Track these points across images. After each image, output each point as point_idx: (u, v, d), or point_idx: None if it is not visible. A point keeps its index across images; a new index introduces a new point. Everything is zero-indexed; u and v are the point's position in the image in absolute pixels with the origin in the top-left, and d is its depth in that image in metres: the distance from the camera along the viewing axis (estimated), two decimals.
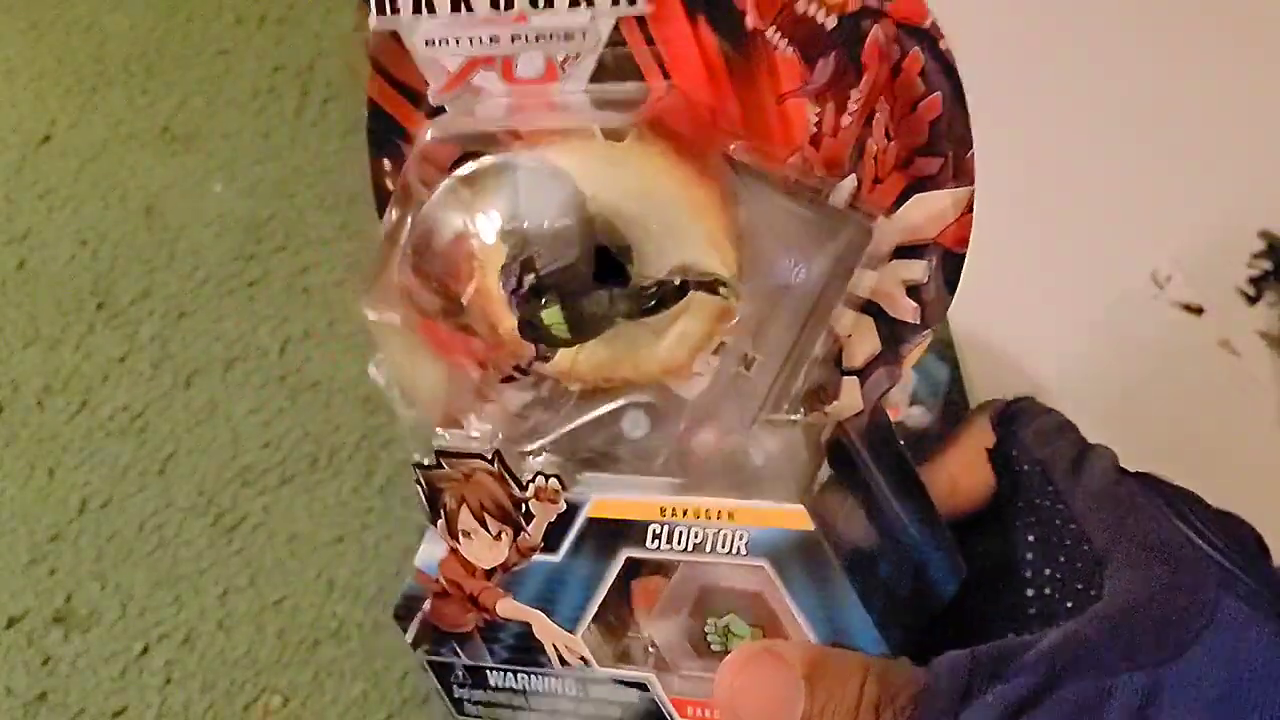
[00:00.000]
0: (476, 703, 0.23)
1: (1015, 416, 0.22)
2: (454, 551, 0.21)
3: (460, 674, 0.22)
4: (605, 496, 0.20)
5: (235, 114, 0.53)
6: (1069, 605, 0.19)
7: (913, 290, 0.19)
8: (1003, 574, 0.20)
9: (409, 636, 0.23)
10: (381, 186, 0.21)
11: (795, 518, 0.19)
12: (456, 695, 0.23)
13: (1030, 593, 0.20)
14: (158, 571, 0.39)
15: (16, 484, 0.41)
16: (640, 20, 0.19)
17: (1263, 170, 0.49)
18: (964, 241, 0.19)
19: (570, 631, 0.21)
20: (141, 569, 0.39)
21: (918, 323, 0.20)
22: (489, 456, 0.20)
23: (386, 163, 0.21)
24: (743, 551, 0.20)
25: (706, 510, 0.20)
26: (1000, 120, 0.57)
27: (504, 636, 0.21)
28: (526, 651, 0.21)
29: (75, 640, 0.38)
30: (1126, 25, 0.55)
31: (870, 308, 0.20)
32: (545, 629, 0.21)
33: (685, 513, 0.20)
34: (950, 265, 0.19)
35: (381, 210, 0.21)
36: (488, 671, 0.22)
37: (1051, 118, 0.51)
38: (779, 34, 0.19)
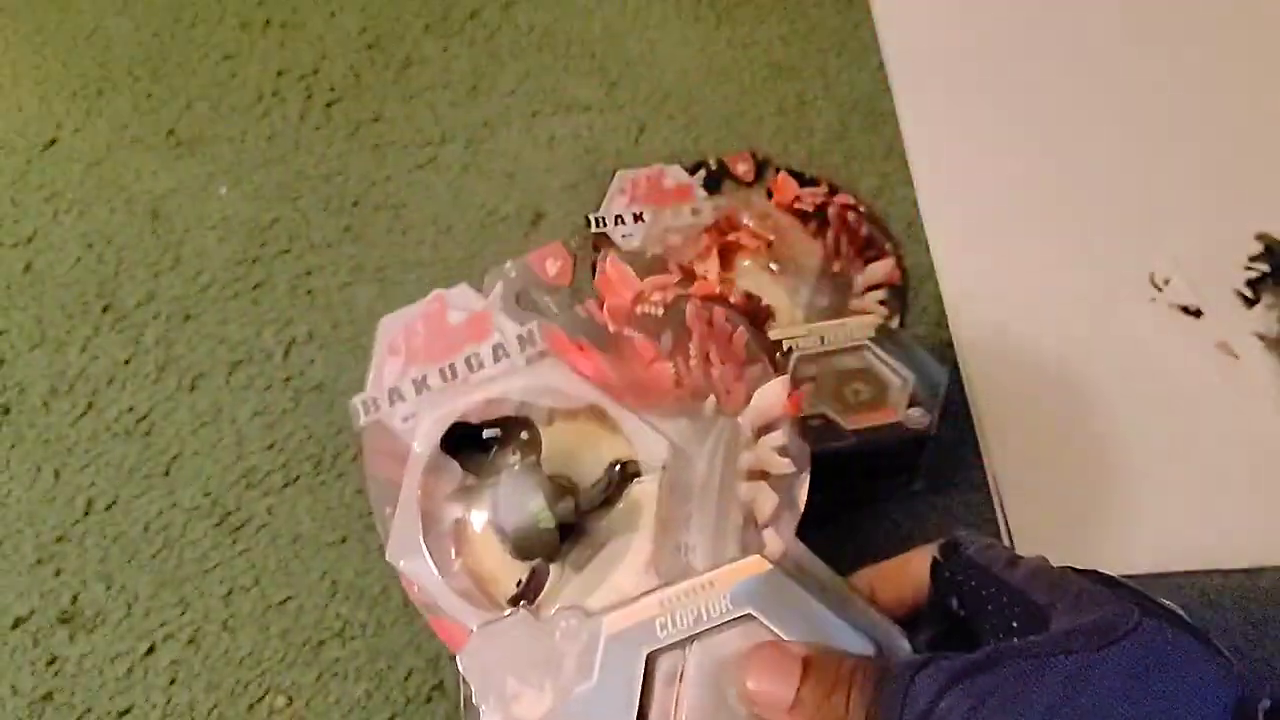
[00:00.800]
0: None
1: (957, 543, 0.26)
2: (507, 716, 0.25)
3: None
4: (615, 612, 0.26)
5: (239, 118, 0.53)
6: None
7: (782, 451, 0.28)
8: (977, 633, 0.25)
9: None
10: (384, 521, 0.31)
11: (756, 564, 0.26)
12: None
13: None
14: (163, 572, 0.39)
15: (23, 485, 0.42)
16: (542, 353, 0.31)
17: (1260, 173, 0.49)
18: (799, 408, 0.29)
19: None
20: (147, 570, 0.39)
21: (794, 471, 0.28)
22: (521, 617, 0.27)
23: (388, 510, 0.31)
24: (730, 609, 0.25)
25: (692, 588, 0.26)
26: (1000, 124, 0.58)
27: None
28: None
29: (81, 640, 0.38)
30: (1126, 29, 0.55)
31: (759, 475, 0.28)
32: None
33: (678, 598, 0.26)
34: (799, 425, 0.29)
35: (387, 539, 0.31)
36: None
37: (1050, 122, 0.51)
38: (632, 330, 0.31)
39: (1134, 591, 0.23)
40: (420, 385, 0.31)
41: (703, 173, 0.49)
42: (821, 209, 0.46)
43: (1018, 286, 0.46)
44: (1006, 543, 0.39)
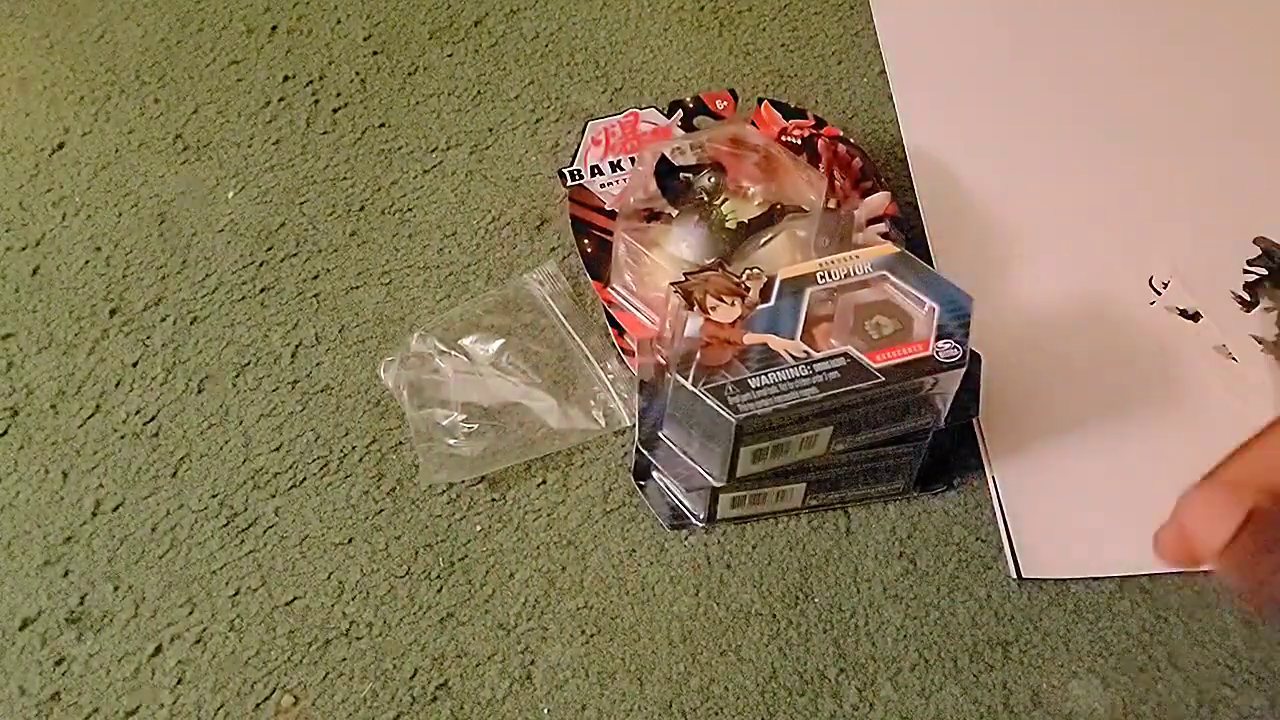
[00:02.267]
0: (747, 403, 0.34)
1: None
2: (708, 320, 0.36)
3: (730, 388, 0.35)
4: (787, 270, 0.37)
5: (246, 122, 0.53)
6: None
7: (884, 234, 0.45)
8: None
9: (689, 379, 0.35)
10: (585, 252, 0.46)
11: (889, 247, 0.38)
12: (730, 402, 0.34)
13: None
14: (170, 573, 0.40)
15: (31, 487, 0.42)
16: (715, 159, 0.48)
17: (1258, 177, 0.50)
18: (896, 212, 0.46)
19: (791, 339, 0.36)
20: (154, 570, 0.40)
21: (897, 246, 0.39)
22: (715, 267, 0.38)
23: (586, 241, 0.46)
24: (869, 271, 0.37)
25: (844, 257, 0.38)
26: (1001, 131, 0.58)
27: (751, 355, 0.35)
28: (768, 359, 0.35)
29: (88, 641, 0.38)
30: (1124, 34, 0.56)
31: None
32: (776, 342, 0.36)
33: (833, 261, 0.38)
34: (896, 223, 0.45)
35: (588, 265, 0.46)
36: (748, 379, 0.35)
37: (1050, 128, 0.52)
38: (780, 150, 0.47)
39: None
40: (615, 166, 0.47)
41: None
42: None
43: (1017, 292, 0.47)
44: (1006, 544, 0.40)
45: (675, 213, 0.44)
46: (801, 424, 0.35)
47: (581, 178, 0.48)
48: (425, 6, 0.58)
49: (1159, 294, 0.46)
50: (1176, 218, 0.49)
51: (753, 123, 0.48)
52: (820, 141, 0.46)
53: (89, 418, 0.44)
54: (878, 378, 0.34)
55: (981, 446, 0.42)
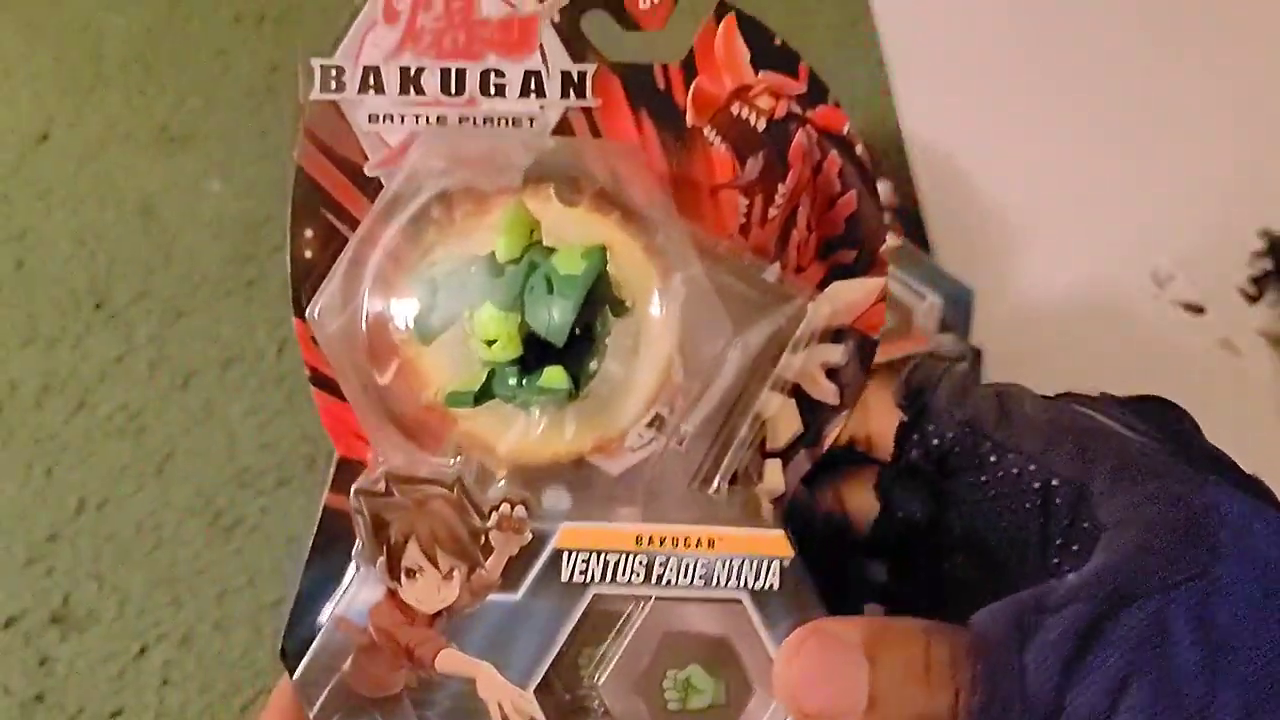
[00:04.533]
0: None
1: (919, 389, 0.20)
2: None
3: None
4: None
5: (233, 114, 0.52)
6: (1072, 545, 0.18)
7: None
8: (989, 549, 0.19)
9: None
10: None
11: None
12: None
13: (1028, 554, 0.18)
14: (155, 572, 0.39)
15: (14, 484, 0.41)
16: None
17: (1263, 169, 0.49)
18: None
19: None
20: (139, 569, 0.39)
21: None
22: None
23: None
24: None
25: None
26: (1002, 121, 0.57)
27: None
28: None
29: (73, 640, 0.38)
30: (1128, 24, 0.55)
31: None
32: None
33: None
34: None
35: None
36: None
37: (1053, 119, 0.51)
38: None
39: (1153, 437, 0.18)
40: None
41: None
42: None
43: (1018, 284, 0.46)
44: None
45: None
46: None
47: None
48: None
49: (1163, 287, 0.45)
50: (1181, 209, 0.48)
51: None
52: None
53: (73, 414, 0.43)
54: None
55: None
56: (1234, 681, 0.15)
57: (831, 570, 0.20)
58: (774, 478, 0.20)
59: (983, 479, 0.19)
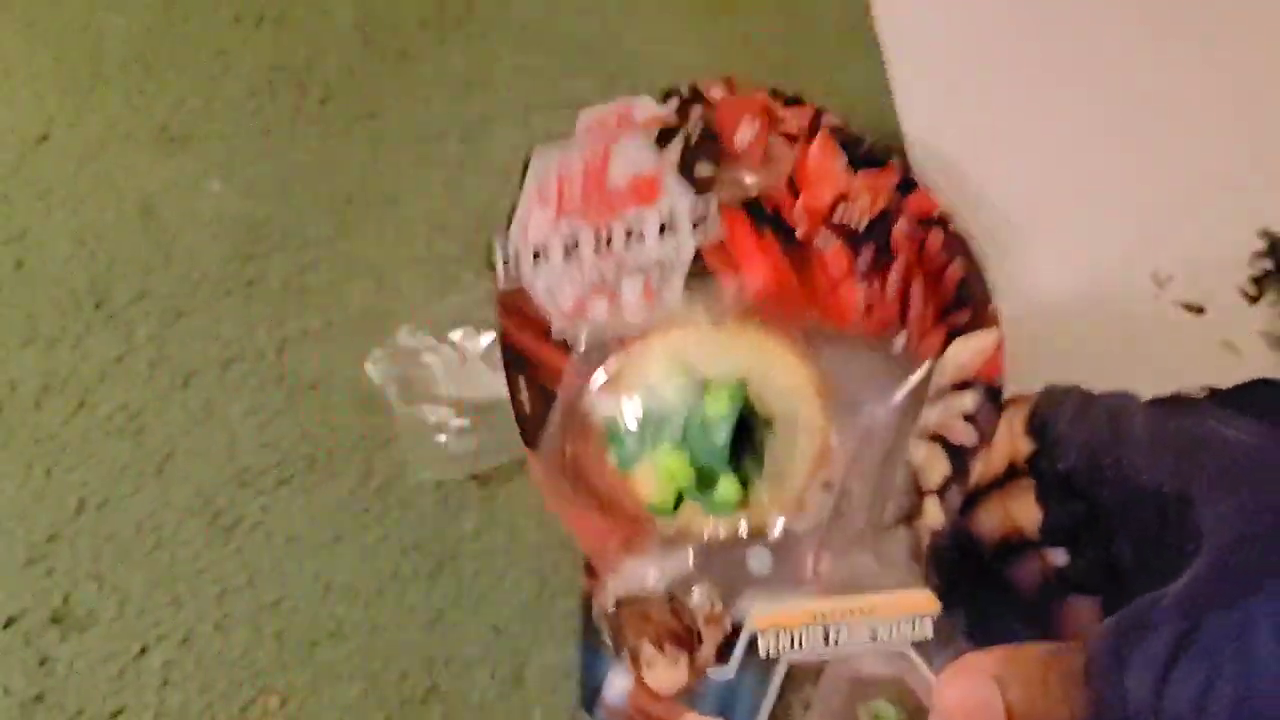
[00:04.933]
0: None
1: (1044, 423, 0.23)
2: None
3: None
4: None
5: (232, 113, 0.52)
6: (1186, 547, 0.20)
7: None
8: (1131, 548, 0.22)
9: None
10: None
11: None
12: None
13: (1154, 555, 0.21)
14: (155, 572, 0.39)
15: (14, 484, 0.41)
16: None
17: (1264, 169, 0.49)
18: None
19: None
20: (139, 569, 0.39)
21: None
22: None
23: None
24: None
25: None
26: (1003, 122, 0.57)
27: None
28: None
29: (73, 641, 0.38)
30: (1129, 25, 0.55)
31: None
32: None
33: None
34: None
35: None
36: None
37: (1053, 119, 0.51)
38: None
39: (1250, 430, 0.20)
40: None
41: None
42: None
43: (1018, 284, 0.46)
44: None
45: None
46: None
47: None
48: None
49: (1162, 287, 0.45)
50: (1182, 209, 0.48)
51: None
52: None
53: (73, 414, 0.43)
54: None
55: None
56: None
57: (1003, 572, 0.24)
58: (933, 513, 0.24)
59: (1105, 493, 0.22)
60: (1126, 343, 0.44)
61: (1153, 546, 0.21)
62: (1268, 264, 0.45)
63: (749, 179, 0.26)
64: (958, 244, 0.26)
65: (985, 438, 0.25)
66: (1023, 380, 0.43)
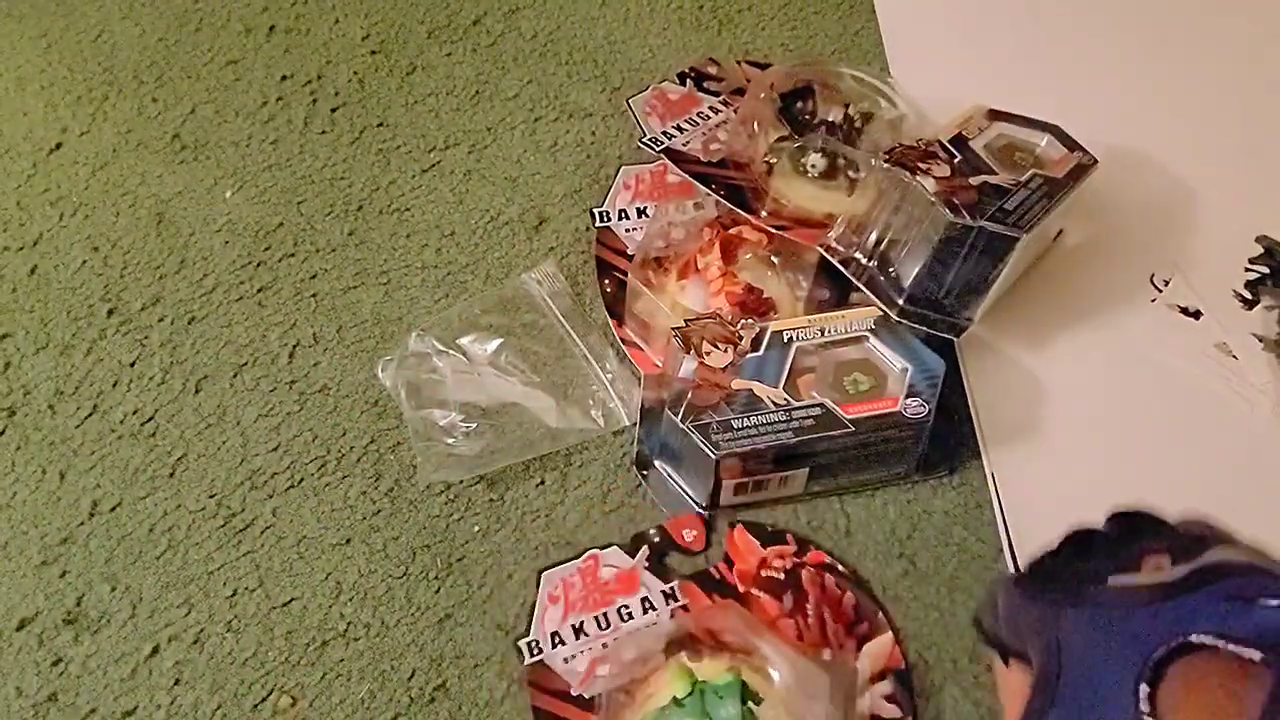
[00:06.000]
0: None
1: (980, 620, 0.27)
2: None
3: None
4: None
5: (244, 122, 0.53)
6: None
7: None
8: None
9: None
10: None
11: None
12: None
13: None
14: (167, 573, 0.39)
15: (28, 487, 0.42)
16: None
17: (1260, 176, 0.49)
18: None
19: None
20: (151, 571, 0.39)
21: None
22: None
23: None
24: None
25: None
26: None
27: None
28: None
29: (85, 641, 0.38)
30: (1127, 30, 0.56)
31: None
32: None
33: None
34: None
35: None
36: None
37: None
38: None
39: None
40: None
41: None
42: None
43: (1017, 288, 0.46)
44: (1005, 541, 0.39)
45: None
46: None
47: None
48: (423, 6, 0.58)
49: (1160, 291, 0.46)
50: (1178, 215, 0.48)
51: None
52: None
53: (86, 418, 0.43)
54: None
55: (981, 446, 0.42)
56: None
57: None
58: None
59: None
60: (1124, 345, 0.44)
61: None
62: (1263, 269, 0.46)
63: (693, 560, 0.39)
64: (847, 578, 0.39)
65: (905, 711, 0.35)
66: (1022, 382, 0.44)
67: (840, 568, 0.38)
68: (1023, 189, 0.41)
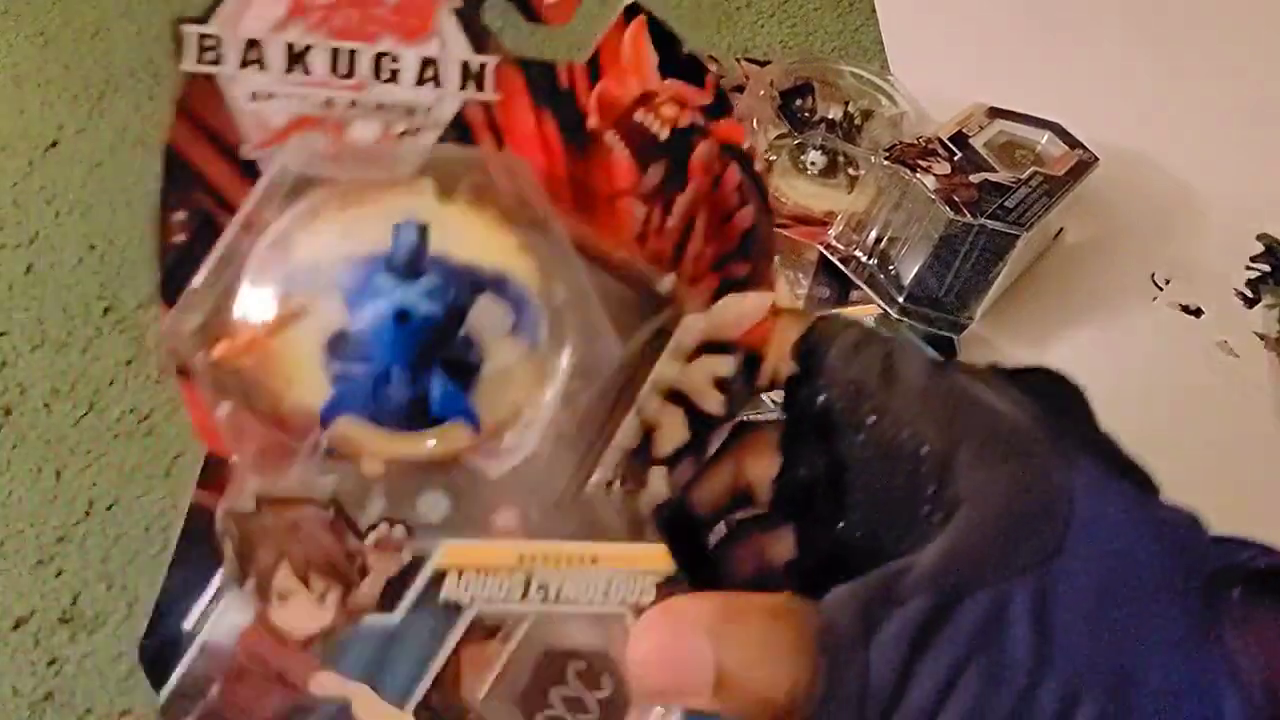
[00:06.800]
0: None
1: (814, 346, 0.20)
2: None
3: None
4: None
5: None
6: (937, 514, 0.17)
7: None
8: (873, 511, 0.19)
9: None
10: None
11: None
12: None
13: (901, 519, 0.18)
14: (164, 573, 0.39)
15: (24, 486, 0.42)
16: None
17: (1261, 173, 0.49)
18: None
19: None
20: (148, 571, 0.39)
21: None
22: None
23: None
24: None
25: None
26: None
27: None
28: None
29: (81, 641, 0.38)
30: (1127, 27, 0.56)
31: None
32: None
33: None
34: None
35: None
36: None
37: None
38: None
39: (1052, 409, 0.18)
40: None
41: None
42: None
43: (1017, 286, 0.46)
44: None
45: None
46: None
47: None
48: None
49: (1161, 289, 0.46)
50: (1179, 213, 0.48)
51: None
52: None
53: (83, 416, 0.43)
54: None
55: None
56: (1058, 671, 0.15)
57: (728, 556, 0.20)
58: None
59: (860, 439, 0.19)
60: (1125, 343, 0.44)
61: (896, 511, 0.18)
62: (1264, 267, 0.46)
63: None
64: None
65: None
66: None
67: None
68: (1023, 187, 0.41)
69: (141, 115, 0.53)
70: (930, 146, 0.42)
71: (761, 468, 0.21)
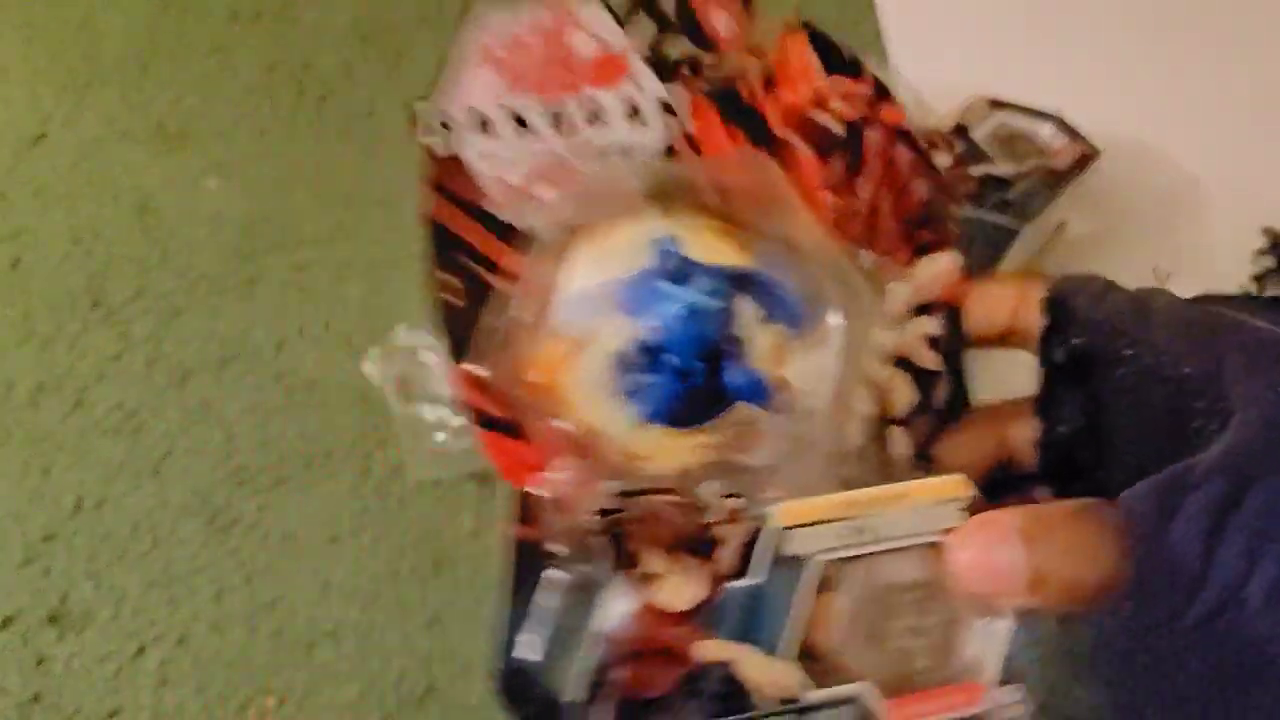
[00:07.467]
0: None
1: (1062, 295, 0.22)
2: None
3: None
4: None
5: (230, 112, 0.52)
6: (1209, 427, 0.18)
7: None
8: (1135, 444, 0.20)
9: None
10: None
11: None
12: None
13: (1166, 441, 0.19)
14: (152, 572, 0.39)
15: (10, 483, 0.41)
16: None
17: (1266, 166, 0.49)
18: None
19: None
20: (136, 569, 0.39)
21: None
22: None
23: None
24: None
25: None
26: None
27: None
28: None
29: (69, 641, 0.38)
30: (1130, 22, 0.55)
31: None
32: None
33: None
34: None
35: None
36: None
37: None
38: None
39: None
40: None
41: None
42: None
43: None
44: None
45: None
46: None
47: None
48: None
49: (1163, 284, 0.45)
50: (1183, 207, 0.48)
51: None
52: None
53: (69, 413, 0.43)
54: None
55: None
56: None
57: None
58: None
59: (1119, 373, 0.20)
60: None
61: (1163, 435, 0.19)
62: (1269, 261, 0.45)
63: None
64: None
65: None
66: (1022, 378, 0.43)
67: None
68: (1024, 179, 0.41)
69: (128, 108, 0.53)
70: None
71: (1023, 435, 0.22)
